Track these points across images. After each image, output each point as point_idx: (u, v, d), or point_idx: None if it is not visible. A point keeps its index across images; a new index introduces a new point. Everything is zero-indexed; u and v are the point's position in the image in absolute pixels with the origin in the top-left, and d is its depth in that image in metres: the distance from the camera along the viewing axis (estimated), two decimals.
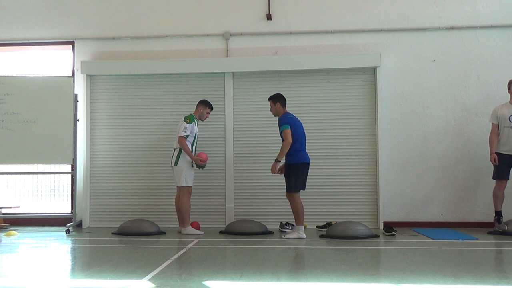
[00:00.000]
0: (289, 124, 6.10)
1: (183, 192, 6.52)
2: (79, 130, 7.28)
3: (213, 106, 6.82)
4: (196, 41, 7.55)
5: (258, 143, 7.23)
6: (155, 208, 7.31)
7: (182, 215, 6.53)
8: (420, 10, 7.29)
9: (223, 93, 7.33)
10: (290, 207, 6.95)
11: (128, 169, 7.43)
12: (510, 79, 6.55)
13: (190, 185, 6.54)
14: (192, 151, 6.51)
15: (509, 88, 6.48)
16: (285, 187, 6.17)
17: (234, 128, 7.28)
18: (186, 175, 6.49)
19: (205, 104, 6.71)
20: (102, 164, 7.46)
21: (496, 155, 6.44)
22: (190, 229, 6.50)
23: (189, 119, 6.52)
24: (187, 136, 6.45)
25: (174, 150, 6.59)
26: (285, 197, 6.81)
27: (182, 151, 6.47)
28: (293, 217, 6.95)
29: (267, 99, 6.41)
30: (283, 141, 6.09)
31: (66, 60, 7.84)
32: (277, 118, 6.32)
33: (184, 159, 6.49)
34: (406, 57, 7.27)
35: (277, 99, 6.32)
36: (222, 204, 7.23)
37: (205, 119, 6.77)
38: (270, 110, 6.39)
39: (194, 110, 6.74)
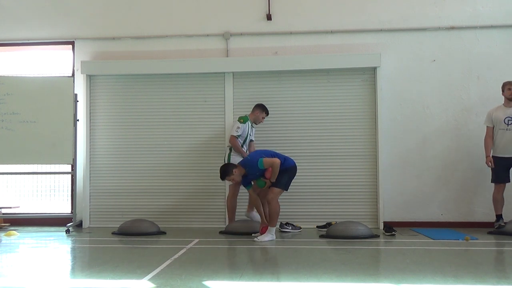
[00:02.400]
0: (263, 154, 5.99)
1: (231, 191, 6.63)
2: (79, 130, 7.28)
3: (269, 112, 6.83)
4: (196, 41, 7.55)
5: (258, 143, 7.21)
6: (155, 208, 7.31)
7: (228, 213, 6.64)
8: (420, 10, 7.29)
9: (223, 93, 7.33)
10: (290, 207, 6.98)
11: (128, 169, 7.43)
12: (504, 81, 6.55)
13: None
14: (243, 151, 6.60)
15: (503, 91, 6.49)
16: (273, 183, 5.94)
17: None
18: None
19: (262, 108, 6.74)
20: (102, 164, 7.46)
21: (492, 158, 6.45)
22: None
23: (243, 119, 6.56)
24: (239, 136, 6.52)
25: (226, 148, 6.73)
26: (285, 197, 6.81)
27: (232, 150, 6.55)
28: (293, 217, 6.99)
29: (222, 179, 6.10)
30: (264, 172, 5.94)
31: (66, 60, 7.84)
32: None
33: (234, 159, 6.50)
34: (406, 57, 7.27)
35: (227, 171, 5.99)
36: (222, 204, 7.23)
37: (259, 123, 6.76)
38: (235, 180, 6.05)
39: (250, 112, 6.76)
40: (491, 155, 6.50)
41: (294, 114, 7.21)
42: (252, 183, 6.09)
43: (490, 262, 4.92)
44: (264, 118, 6.81)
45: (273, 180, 5.93)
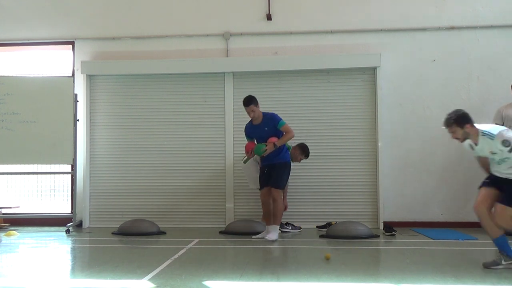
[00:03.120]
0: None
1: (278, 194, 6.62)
2: (79, 130, 7.28)
3: (309, 155, 6.63)
4: (196, 41, 7.55)
5: None
6: (155, 208, 7.31)
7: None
8: (420, 10, 7.29)
9: (223, 93, 7.34)
10: (290, 207, 6.95)
11: (128, 169, 7.43)
12: (505, 81, 6.54)
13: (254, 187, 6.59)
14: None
15: None
16: (274, 184, 5.95)
17: (234, 128, 7.28)
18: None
19: (302, 150, 6.57)
20: (102, 164, 7.46)
21: None
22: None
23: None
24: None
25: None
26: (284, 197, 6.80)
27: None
28: (293, 217, 6.98)
29: (246, 104, 5.98)
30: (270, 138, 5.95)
31: (66, 60, 7.84)
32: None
33: (251, 162, 6.47)
34: (406, 57, 7.26)
35: (255, 100, 5.99)
36: (222, 204, 7.23)
37: (294, 161, 6.52)
38: (254, 116, 6.01)
39: (292, 147, 6.58)
40: None
41: (294, 114, 7.20)
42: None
43: None
44: (301, 160, 6.60)
45: (278, 145, 5.89)
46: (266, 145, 5.93)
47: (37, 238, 6.46)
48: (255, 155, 6.11)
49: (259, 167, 6.40)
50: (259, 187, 6.33)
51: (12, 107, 7.00)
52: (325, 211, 7.09)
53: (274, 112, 7.00)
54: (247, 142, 6.24)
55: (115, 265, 4.58)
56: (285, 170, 6.09)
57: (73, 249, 5.76)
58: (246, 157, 6.23)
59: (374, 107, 7.10)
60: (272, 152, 5.95)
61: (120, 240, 6.26)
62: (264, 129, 6.03)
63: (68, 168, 7.55)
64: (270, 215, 6.04)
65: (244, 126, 6.31)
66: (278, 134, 6.01)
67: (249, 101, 5.98)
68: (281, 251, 5.44)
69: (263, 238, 5.94)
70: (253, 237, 6.07)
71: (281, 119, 6.03)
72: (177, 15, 7.61)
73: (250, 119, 6.13)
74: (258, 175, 6.33)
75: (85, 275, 4.28)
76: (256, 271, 4.29)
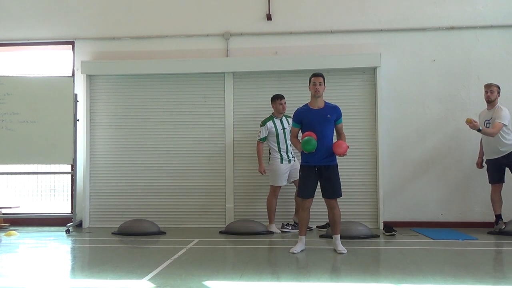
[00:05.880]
0: None
1: (270, 191, 6.65)
2: (79, 130, 7.28)
3: (282, 95, 6.66)
4: (196, 41, 7.55)
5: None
6: (155, 208, 7.31)
7: (268, 213, 6.63)
8: (420, 10, 7.29)
9: (223, 93, 7.33)
10: (290, 207, 6.95)
11: (128, 169, 7.42)
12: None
13: (277, 184, 6.57)
14: (280, 146, 6.53)
15: (485, 93, 6.46)
16: (334, 193, 5.42)
17: (234, 128, 7.27)
18: (275, 175, 6.56)
19: (274, 99, 6.66)
20: (102, 164, 7.46)
21: (480, 160, 6.61)
22: (272, 227, 6.60)
23: (262, 122, 6.60)
24: (263, 138, 6.57)
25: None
26: (285, 197, 6.80)
27: (271, 151, 6.61)
28: (292, 216, 6.98)
29: (318, 75, 5.32)
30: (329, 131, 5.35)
31: (66, 60, 7.84)
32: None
33: (274, 159, 6.56)
34: (406, 57, 7.27)
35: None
36: (222, 204, 7.23)
37: (284, 110, 6.61)
38: (320, 90, 5.31)
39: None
40: (486, 158, 6.57)
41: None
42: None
43: (489, 262, 4.93)
44: (282, 103, 6.59)
45: (340, 153, 5.16)
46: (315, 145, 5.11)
47: (37, 238, 6.46)
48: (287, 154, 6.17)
49: (282, 165, 6.47)
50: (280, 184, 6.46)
51: (12, 107, 7.00)
52: (325, 211, 7.02)
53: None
54: (297, 129, 5.47)
55: (115, 265, 4.58)
56: (338, 174, 5.40)
57: (73, 249, 5.76)
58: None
59: (374, 107, 7.11)
60: (325, 150, 5.26)
61: (120, 240, 6.26)
62: (326, 116, 5.33)
63: (68, 168, 7.55)
64: (307, 225, 5.51)
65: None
66: (327, 128, 5.33)
67: (321, 75, 5.36)
68: (281, 251, 5.44)
69: (339, 250, 5.23)
70: (338, 250, 5.26)
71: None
72: (177, 15, 7.61)
73: (305, 103, 5.47)
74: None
75: (85, 275, 4.28)
76: (256, 271, 4.30)
